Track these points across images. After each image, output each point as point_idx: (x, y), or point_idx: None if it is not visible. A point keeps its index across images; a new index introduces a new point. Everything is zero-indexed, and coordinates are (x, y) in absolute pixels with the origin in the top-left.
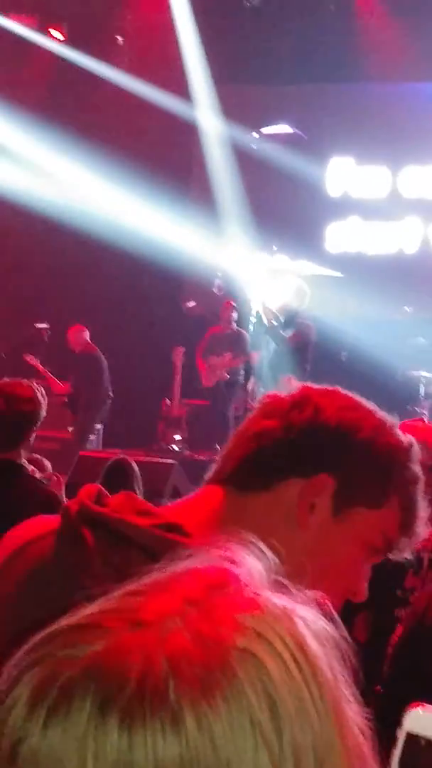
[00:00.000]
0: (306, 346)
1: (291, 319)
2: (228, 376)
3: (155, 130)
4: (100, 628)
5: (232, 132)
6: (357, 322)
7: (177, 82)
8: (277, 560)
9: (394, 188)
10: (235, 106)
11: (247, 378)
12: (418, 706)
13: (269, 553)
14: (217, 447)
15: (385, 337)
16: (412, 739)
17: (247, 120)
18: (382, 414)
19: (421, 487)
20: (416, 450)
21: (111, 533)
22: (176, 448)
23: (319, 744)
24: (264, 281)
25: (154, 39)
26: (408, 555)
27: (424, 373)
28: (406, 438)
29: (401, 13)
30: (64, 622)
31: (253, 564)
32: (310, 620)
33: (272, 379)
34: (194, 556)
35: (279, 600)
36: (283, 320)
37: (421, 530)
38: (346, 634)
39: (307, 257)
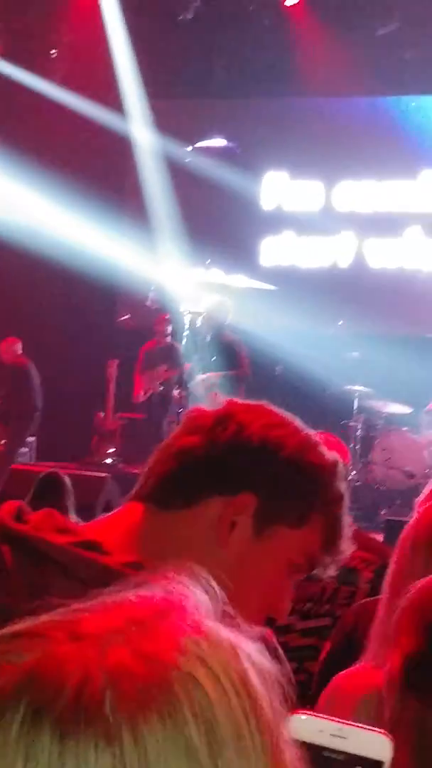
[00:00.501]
0: (236, 358)
1: (219, 332)
2: (161, 388)
3: (90, 144)
4: (41, 637)
5: (166, 146)
6: (291, 336)
7: (111, 96)
8: (224, 594)
9: (328, 202)
10: (169, 120)
11: (180, 389)
12: (299, 712)
13: (217, 587)
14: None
15: (320, 351)
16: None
17: (181, 134)
18: (307, 431)
19: (345, 505)
20: (341, 468)
21: (29, 551)
22: (110, 462)
23: None
24: (197, 295)
25: (88, 53)
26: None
27: (358, 388)
28: (331, 456)
29: (335, 27)
30: (5, 630)
31: (200, 596)
32: (255, 656)
33: (203, 387)
34: (143, 584)
35: (225, 631)
36: (212, 333)
37: (346, 549)
38: (290, 672)
39: (241, 271)
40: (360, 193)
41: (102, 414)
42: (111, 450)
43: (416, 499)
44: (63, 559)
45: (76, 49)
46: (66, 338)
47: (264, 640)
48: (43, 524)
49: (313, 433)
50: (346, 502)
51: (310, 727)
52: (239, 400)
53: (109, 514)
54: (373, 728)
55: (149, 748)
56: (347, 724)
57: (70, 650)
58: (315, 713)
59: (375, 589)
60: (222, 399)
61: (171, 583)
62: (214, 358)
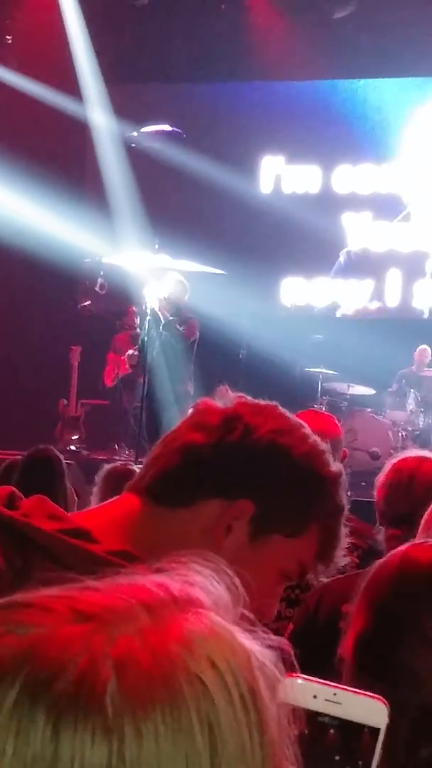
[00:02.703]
0: (197, 340)
1: (178, 313)
2: (130, 362)
3: (47, 130)
4: (48, 611)
5: (122, 130)
6: (251, 319)
7: (68, 81)
8: (246, 595)
9: (277, 185)
10: (125, 104)
11: (140, 372)
12: (293, 675)
13: (240, 586)
14: (116, 446)
15: (282, 334)
16: None
17: (135, 118)
18: (315, 439)
19: (343, 517)
20: (344, 480)
21: (16, 536)
22: (74, 449)
23: None
24: (150, 278)
25: (43, 38)
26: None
27: (321, 370)
28: (335, 467)
29: (292, 11)
30: (8, 598)
31: (221, 592)
32: (267, 666)
33: (168, 376)
34: (162, 571)
35: (240, 635)
36: (172, 312)
37: (339, 559)
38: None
39: (188, 255)
40: (307, 175)
41: (65, 401)
42: (75, 437)
43: (376, 478)
44: (49, 545)
45: (31, 35)
46: (27, 325)
47: (281, 651)
48: (34, 510)
49: (320, 441)
50: (345, 513)
51: (304, 691)
52: (248, 399)
53: (105, 502)
54: (370, 693)
55: (148, 744)
56: (342, 688)
57: (76, 631)
58: (309, 677)
59: None
60: (230, 393)
61: (192, 573)
62: (182, 326)
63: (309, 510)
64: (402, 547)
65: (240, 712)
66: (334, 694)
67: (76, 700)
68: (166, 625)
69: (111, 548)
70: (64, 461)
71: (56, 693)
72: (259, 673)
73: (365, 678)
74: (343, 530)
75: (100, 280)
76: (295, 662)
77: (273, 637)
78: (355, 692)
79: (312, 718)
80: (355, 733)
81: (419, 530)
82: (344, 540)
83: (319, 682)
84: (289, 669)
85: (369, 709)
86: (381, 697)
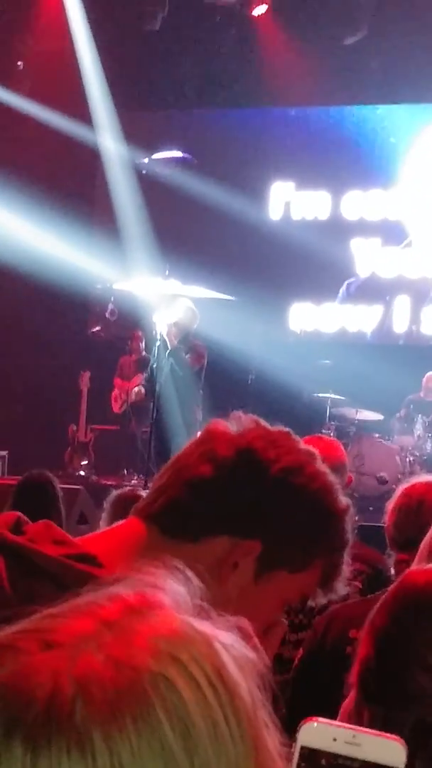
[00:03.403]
0: (203, 367)
1: (186, 340)
2: (136, 399)
3: (58, 156)
4: (12, 648)
5: (132, 156)
6: (260, 345)
7: (79, 108)
8: (202, 585)
9: (286, 211)
10: (135, 131)
11: (150, 401)
12: (312, 720)
13: (194, 579)
14: (125, 472)
15: (291, 360)
16: (306, 752)
17: (146, 144)
18: (324, 473)
19: (347, 550)
20: (351, 514)
21: (23, 562)
22: (83, 474)
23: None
24: (161, 304)
25: (54, 63)
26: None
27: (329, 395)
28: (344, 503)
29: (302, 37)
30: None
31: (176, 589)
32: (231, 646)
33: (177, 402)
34: (119, 581)
35: (199, 625)
36: (180, 338)
37: (341, 589)
38: (267, 661)
39: (199, 281)
40: (317, 202)
41: (75, 426)
42: (84, 462)
43: (387, 503)
44: (56, 571)
45: (42, 61)
46: (38, 351)
47: (241, 630)
48: (40, 536)
49: (330, 473)
50: (349, 545)
51: (323, 734)
52: (261, 426)
53: (111, 527)
54: (388, 734)
55: (123, 753)
56: (361, 730)
57: (40, 660)
58: (328, 720)
59: None
60: (244, 418)
61: (147, 576)
62: (188, 354)
63: (316, 547)
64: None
65: (209, 695)
66: (353, 736)
67: (48, 724)
68: (126, 635)
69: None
70: (58, 485)
71: (29, 722)
72: (222, 653)
73: (366, 706)
74: (346, 562)
75: (110, 306)
76: (256, 640)
77: (230, 617)
78: (374, 733)
79: (331, 761)
80: None
81: (416, 557)
82: (346, 570)
83: (338, 725)
84: (252, 646)
85: (388, 750)
86: (399, 738)
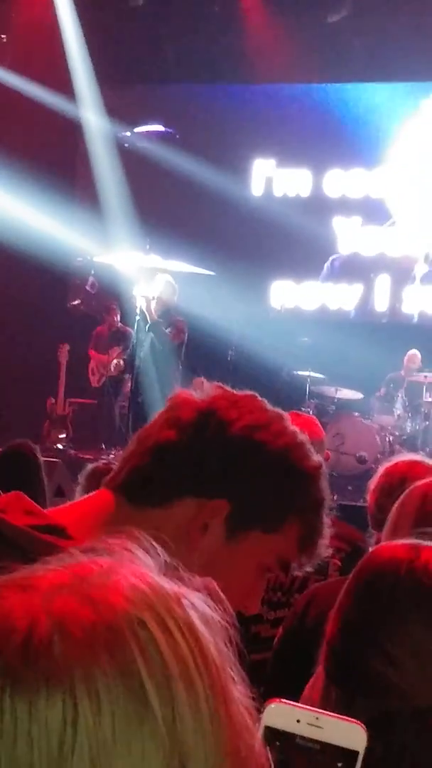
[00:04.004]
0: (184, 342)
1: (166, 315)
2: (115, 372)
3: (40, 129)
4: None
5: (115, 130)
6: (242, 321)
7: (61, 80)
8: (164, 552)
9: (268, 187)
10: (118, 105)
11: (128, 373)
12: (276, 701)
13: (157, 546)
14: (103, 446)
15: (270, 337)
16: (269, 732)
17: (128, 118)
18: (293, 431)
19: (324, 509)
20: (323, 472)
21: None
22: (61, 447)
23: (204, 715)
24: (141, 278)
25: (37, 37)
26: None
27: (309, 373)
28: (314, 460)
29: (286, 14)
30: None
31: (141, 554)
32: (198, 603)
33: (156, 377)
34: (88, 551)
35: (168, 582)
36: (160, 313)
37: (322, 551)
38: (234, 619)
39: (180, 256)
40: (296, 178)
41: (53, 399)
42: (62, 435)
43: (368, 483)
44: (21, 541)
45: (25, 34)
46: (16, 323)
47: (207, 589)
48: (10, 506)
49: (299, 432)
50: (326, 505)
51: (286, 715)
52: (226, 390)
53: (81, 499)
54: (349, 719)
55: (99, 686)
56: (323, 713)
57: (16, 601)
58: (292, 702)
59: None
60: (207, 384)
61: (113, 546)
62: (169, 329)
63: (287, 505)
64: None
65: (180, 641)
66: (317, 719)
67: (25, 658)
68: (101, 584)
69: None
70: (40, 456)
71: (5, 657)
72: (191, 609)
73: (333, 687)
74: (325, 523)
75: (91, 279)
76: (223, 598)
77: (198, 578)
78: (336, 717)
79: (291, 741)
80: (334, 756)
81: (384, 532)
82: (326, 532)
83: (301, 707)
84: (218, 604)
85: (349, 733)
86: (360, 722)
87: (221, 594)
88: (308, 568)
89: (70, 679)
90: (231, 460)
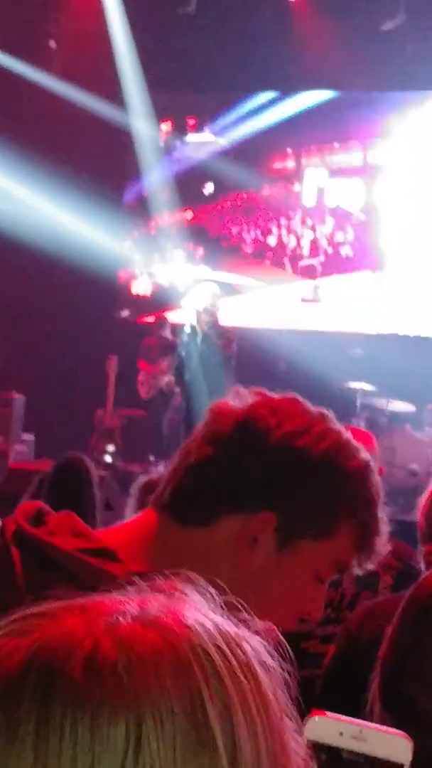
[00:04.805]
0: (234, 354)
1: (216, 326)
2: (167, 389)
3: (90, 136)
4: (49, 616)
5: (165, 138)
6: (290, 332)
7: (110, 88)
8: (218, 596)
9: (320, 192)
10: (169, 113)
11: (179, 386)
12: (319, 713)
13: (213, 591)
14: (151, 458)
15: (321, 349)
16: (312, 745)
17: (179, 126)
18: (337, 431)
19: (377, 507)
20: (372, 469)
21: (38, 555)
22: (109, 460)
23: (263, 752)
24: (190, 289)
25: (88, 44)
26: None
27: (360, 385)
28: (360, 458)
29: (339, 22)
30: (14, 613)
31: (198, 598)
32: (258, 648)
33: (206, 389)
34: (143, 590)
35: (228, 623)
36: (209, 325)
37: (381, 549)
38: (293, 667)
39: (231, 268)
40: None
41: (101, 411)
42: (110, 447)
43: (419, 498)
44: (70, 566)
45: (75, 41)
46: (65, 334)
47: (268, 633)
48: (60, 527)
49: (343, 431)
50: (380, 502)
51: (329, 728)
52: (265, 396)
53: (129, 519)
54: (394, 730)
55: (163, 710)
56: (367, 726)
57: (78, 622)
58: (335, 714)
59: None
60: (245, 392)
61: (169, 587)
62: (219, 340)
63: (337, 509)
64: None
65: (242, 679)
66: (360, 731)
67: (89, 678)
68: (165, 613)
69: (133, 569)
70: (93, 469)
71: (67, 678)
72: (251, 653)
73: (385, 714)
74: (381, 519)
75: (140, 290)
76: (284, 643)
77: (258, 621)
78: (381, 729)
79: (336, 755)
80: None
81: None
82: (383, 529)
83: (345, 720)
84: (278, 650)
85: (394, 746)
86: (405, 734)
87: (280, 636)
88: (370, 566)
89: (135, 700)
90: (273, 470)
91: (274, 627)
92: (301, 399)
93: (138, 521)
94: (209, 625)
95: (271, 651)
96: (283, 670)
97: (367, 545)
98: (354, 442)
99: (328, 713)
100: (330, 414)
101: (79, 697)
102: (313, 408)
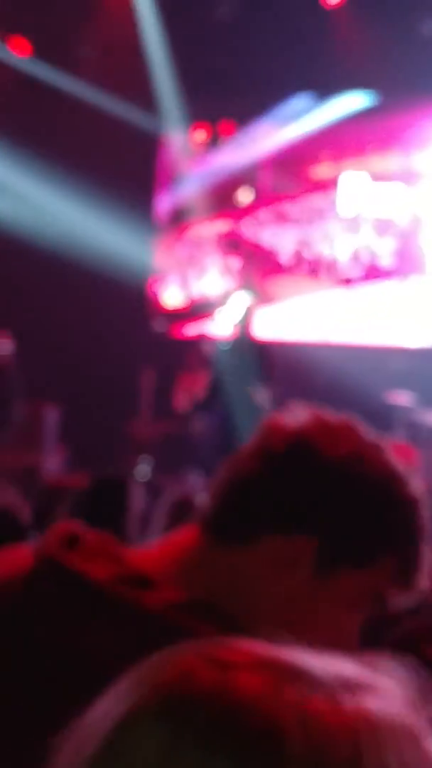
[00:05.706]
0: (270, 367)
1: (249, 338)
2: (202, 397)
3: (123, 145)
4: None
5: (200, 146)
6: (330, 345)
7: (144, 96)
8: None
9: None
10: (204, 120)
11: (215, 399)
12: None
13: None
14: (186, 472)
15: (360, 361)
16: None
17: (214, 134)
18: (390, 462)
19: (423, 542)
20: (423, 504)
21: (71, 583)
22: (143, 474)
23: None
24: (226, 302)
25: (121, 51)
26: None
27: (401, 398)
28: (412, 491)
29: (378, 28)
30: (216, 641)
31: (394, 687)
32: None
33: (244, 402)
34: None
35: (411, 720)
36: (243, 334)
37: (421, 586)
38: None
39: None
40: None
41: (136, 424)
42: (145, 461)
43: None
44: (104, 596)
45: (109, 48)
46: (100, 346)
47: None
48: (95, 552)
49: (398, 463)
50: (426, 538)
51: None
52: (321, 416)
53: (170, 536)
54: None
55: None
56: None
57: (264, 679)
58: None
59: None
60: (302, 409)
61: (364, 678)
62: (255, 354)
63: (382, 539)
64: None
65: None
66: None
67: (257, 746)
68: (355, 696)
69: (168, 598)
70: (132, 485)
71: (237, 734)
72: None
73: None
74: (425, 555)
75: (174, 302)
76: None
77: None
78: None
79: None
80: None
81: None
82: (426, 564)
83: None
84: None
85: None
86: None
87: None
88: (408, 604)
89: None
90: (321, 494)
91: None
92: (356, 422)
93: (176, 539)
94: (393, 718)
95: None
96: None
97: (409, 578)
98: (407, 474)
99: None
100: (385, 445)
101: (243, 756)
102: (369, 433)
